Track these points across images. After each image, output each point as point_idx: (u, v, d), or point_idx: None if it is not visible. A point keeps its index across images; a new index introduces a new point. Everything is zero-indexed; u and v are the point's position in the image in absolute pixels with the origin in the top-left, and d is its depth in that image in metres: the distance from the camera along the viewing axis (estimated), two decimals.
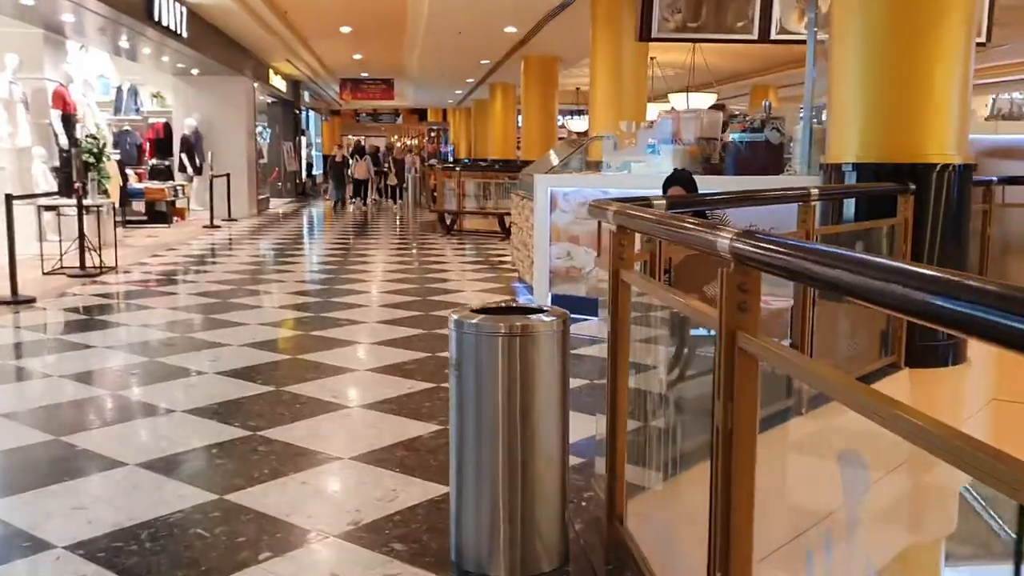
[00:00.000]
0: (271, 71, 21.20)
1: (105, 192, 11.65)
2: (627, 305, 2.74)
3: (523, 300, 7.76)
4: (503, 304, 2.82)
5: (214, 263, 10.64)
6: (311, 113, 33.51)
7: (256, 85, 19.43)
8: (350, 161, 25.77)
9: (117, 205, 13.88)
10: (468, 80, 24.51)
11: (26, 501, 3.22)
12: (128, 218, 14.97)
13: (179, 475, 3.48)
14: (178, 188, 15.82)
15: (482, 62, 19.86)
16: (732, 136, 6.09)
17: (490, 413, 2.57)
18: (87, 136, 11.77)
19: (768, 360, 1.61)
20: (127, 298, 8.04)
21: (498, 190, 16.74)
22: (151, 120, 17.30)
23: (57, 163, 11.56)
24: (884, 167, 5.13)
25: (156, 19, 11.37)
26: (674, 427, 3.04)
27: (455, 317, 2.65)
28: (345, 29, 16.83)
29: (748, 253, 1.60)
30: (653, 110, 17.63)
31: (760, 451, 1.66)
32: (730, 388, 1.64)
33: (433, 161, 28.61)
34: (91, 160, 11.54)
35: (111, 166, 13.55)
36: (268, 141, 25.01)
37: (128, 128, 16.79)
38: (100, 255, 9.41)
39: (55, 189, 10.70)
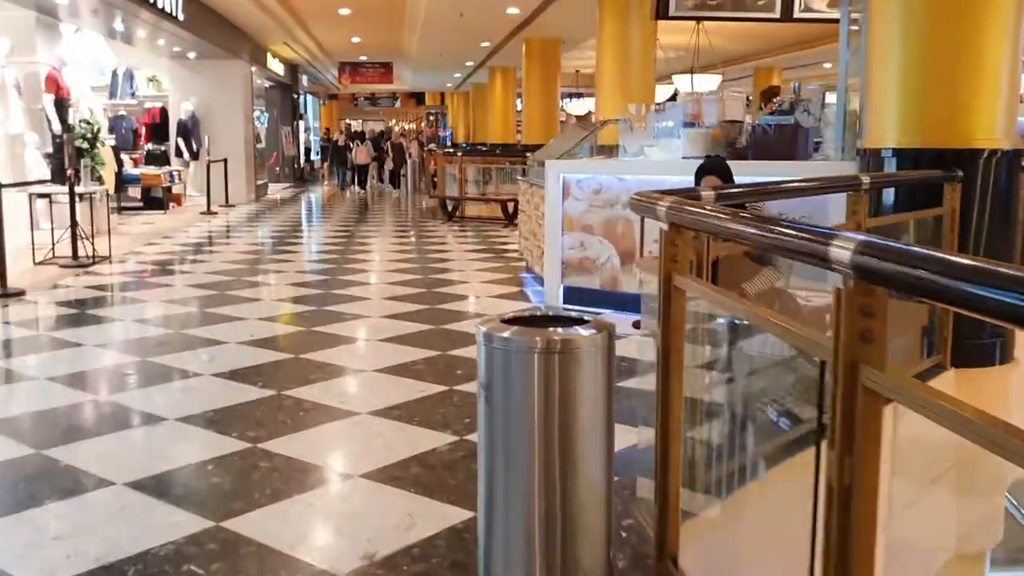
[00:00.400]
0: (269, 55, 20.78)
1: (99, 179, 11.29)
2: (681, 314, 2.41)
3: (531, 292, 7.44)
4: (535, 313, 2.48)
5: (211, 252, 10.30)
6: (309, 97, 33.06)
7: (253, 69, 19.02)
8: (351, 145, 25.81)
9: (112, 191, 13.54)
10: (467, 63, 24.09)
11: None
12: (123, 205, 14.62)
13: (171, 497, 3.15)
14: (174, 174, 15.45)
15: (482, 44, 19.45)
16: (761, 119, 5.75)
17: (525, 440, 2.25)
18: (81, 121, 11.39)
19: (907, 402, 1.27)
20: (120, 290, 7.71)
21: (500, 175, 16.38)
22: (147, 105, 16.91)
23: (50, 149, 11.19)
24: (926, 153, 4.79)
25: (151, 1, 10.98)
26: (733, 442, 2.72)
27: (484, 329, 2.32)
28: (344, 11, 16.42)
29: (879, 269, 1.26)
30: (660, 92, 17.19)
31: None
32: (850, 436, 1.31)
33: (432, 146, 28.24)
34: (84, 146, 11.17)
35: (105, 152, 13.18)
36: (266, 126, 24.59)
37: (124, 113, 16.41)
38: (93, 244, 9.06)
39: (48, 176, 10.35)
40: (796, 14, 7.10)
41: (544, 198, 6.88)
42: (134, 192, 15.11)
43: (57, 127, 11.04)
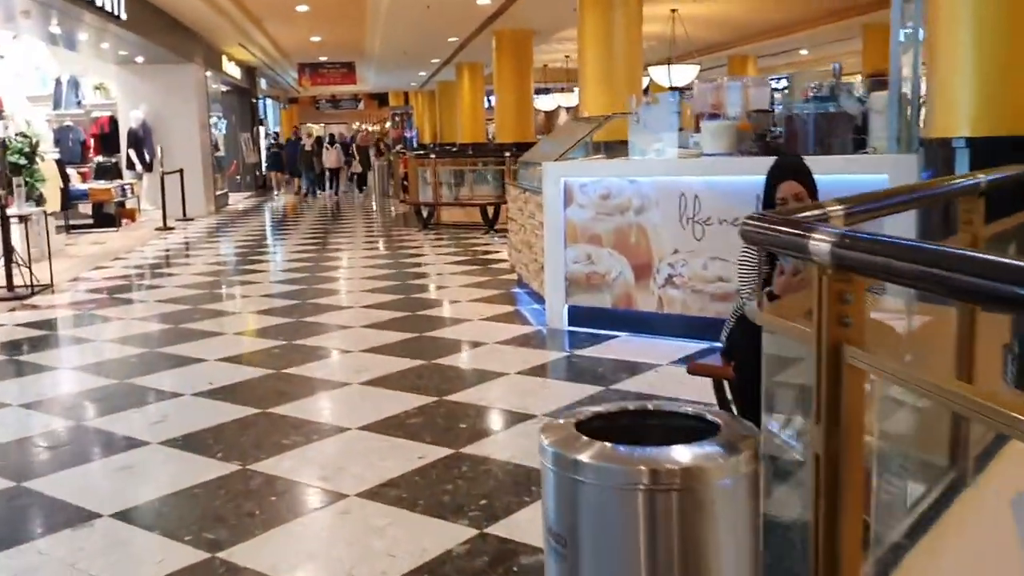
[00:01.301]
0: (224, 57, 19.76)
1: (39, 197, 10.29)
2: (859, 407, 1.57)
3: (528, 312, 6.61)
4: (625, 406, 1.65)
5: (166, 275, 9.34)
6: (269, 102, 31.97)
7: (208, 73, 17.99)
8: (319, 149, 24.89)
9: (57, 208, 12.52)
10: (433, 60, 23.21)
11: None
12: (72, 223, 13.58)
13: None
14: (126, 188, 14.41)
15: (450, 39, 18.58)
16: (796, 106, 4.96)
17: None
18: (16, 134, 10.37)
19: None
20: (58, 327, 6.76)
21: (476, 177, 15.55)
22: (94, 114, 15.83)
23: None
24: (1003, 142, 4.04)
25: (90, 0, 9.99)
26: None
27: (550, 445, 1.49)
28: (302, 8, 15.46)
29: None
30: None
31: None
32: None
33: (400, 147, 27.31)
34: (22, 162, 10.16)
35: (48, 166, 12.15)
36: (224, 132, 23.55)
37: (70, 123, 15.35)
38: (31, 272, 8.10)
39: None
40: None
41: (541, 205, 6.05)
42: (85, 208, 14.09)
43: None
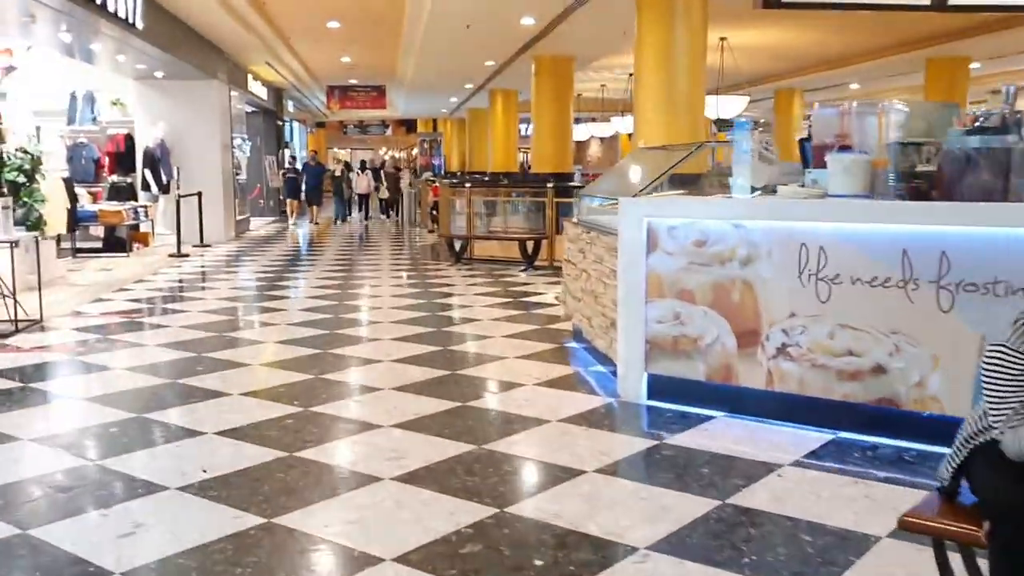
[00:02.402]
0: (250, 76, 18.97)
1: (38, 219, 9.36)
2: None
3: (591, 376, 5.53)
4: None
5: (173, 311, 8.35)
6: (295, 125, 31.27)
7: (233, 92, 17.17)
8: (350, 176, 24.81)
9: (63, 231, 11.61)
10: (467, 86, 22.34)
11: None
12: (81, 246, 12.68)
13: None
14: (139, 210, 13.50)
15: (486, 63, 17.68)
16: (948, 139, 3.89)
17: None
18: (16, 150, 9.47)
19: None
20: (29, 378, 5.73)
21: (511, 208, 14.57)
22: (110, 131, 14.97)
23: None
24: None
25: (99, 3, 9.11)
26: None
27: None
28: (333, 24, 14.62)
29: None
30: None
31: None
32: None
33: (429, 174, 26.44)
34: (21, 179, 9.25)
35: (54, 185, 11.26)
36: (248, 155, 22.76)
37: (84, 140, 14.51)
38: (16, 304, 7.12)
39: None
40: (952, 1, 5.30)
41: (614, 249, 5.00)
42: (98, 231, 13.19)
43: None
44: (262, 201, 23.00)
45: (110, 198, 14.24)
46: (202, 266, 11.93)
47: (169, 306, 8.67)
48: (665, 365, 4.73)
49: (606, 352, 5.42)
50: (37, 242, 8.22)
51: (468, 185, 12.88)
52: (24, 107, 11.00)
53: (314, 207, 21.98)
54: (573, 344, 6.41)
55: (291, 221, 21.07)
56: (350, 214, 24.03)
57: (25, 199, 9.17)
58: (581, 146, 34.88)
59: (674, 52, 9.65)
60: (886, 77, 20.76)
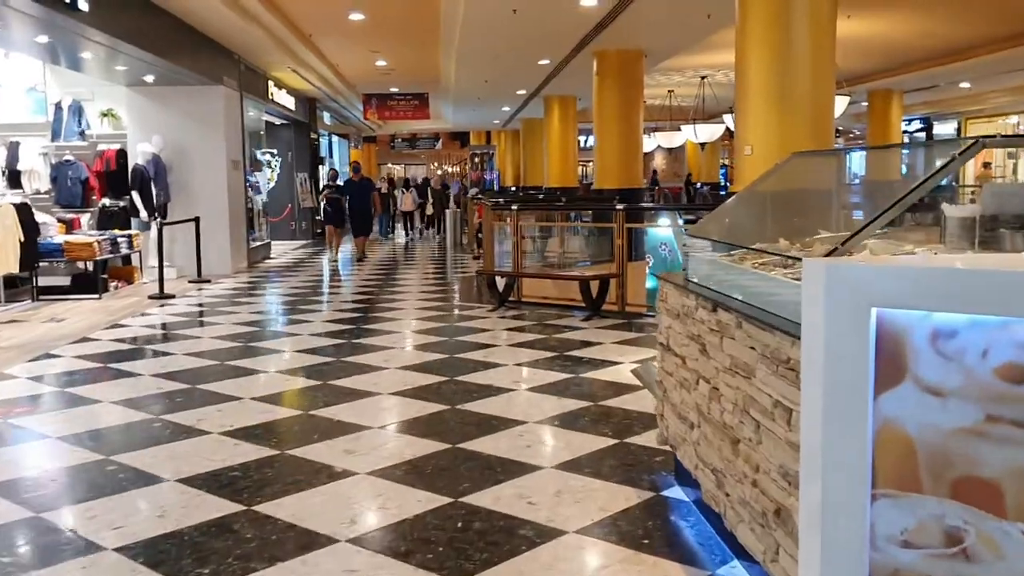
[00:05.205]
0: (271, 84, 16.70)
1: None
2: None
3: (704, 555, 2.90)
4: None
5: (76, 403, 5.90)
6: (335, 139, 29.12)
7: (249, 101, 14.90)
8: (394, 192, 24.75)
9: (13, 269, 9.37)
10: (519, 92, 19.83)
11: None
12: (50, 283, 10.43)
13: None
14: (119, 240, 11.22)
15: (540, 62, 15.12)
16: None
17: None
18: None
19: None
20: None
21: (570, 235, 12.06)
22: (100, 146, 12.76)
23: None
24: None
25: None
26: None
27: None
28: (356, 16, 12.25)
29: None
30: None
31: None
32: None
33: (475, 191, 24.07)
34: None
35: (1, 212, 9.04)
36: (277, 171, 20.59)
37: (70, 158, 12.32)
38: None
39: None
40: None
41: (783, 357, 2.37)
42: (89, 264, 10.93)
43: None
44: (292, 223, 20.78)
45: (100, 226, 12.04)
46: (182, 312, 9.54)
47: (100, 382, 6.20)
48: None
49: (759, 559, 2.76)
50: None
51: (515, 208, 10.28)
52: None
53: (361, 238, 16.21)
54: (676, 493, 3.77)
55: (331, 255, 16.01)
56: (392, 231, 23.55)
57: None
58: (645, 158, 32.15)
59: (791, 35, 7.00)
60: (1002, 74, 17.75)
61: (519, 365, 6.49)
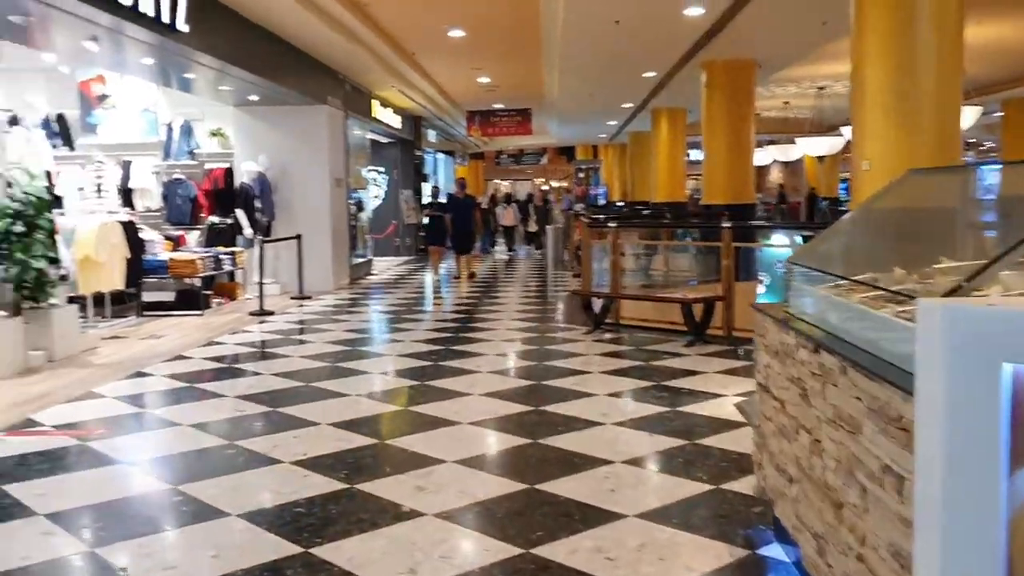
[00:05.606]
0: (376, 102, 16.81)
1: (37, 280, 7.18)
2: None
3: None
4: None
5: (166, 427, 5.83)
6: (439, 156, 29.28)
7: (352, 118, 15.00)
8: (495, 209, 25.02)
9: (119, 286, 9.56)
10: (625, 105, 19.41)
11: None
12: (150, 300, 10.63)
13: None
14: (222, 257, 11.37)
15: (645, 75, 14.70)
16: None
17: None
18: (10, 188, 7.36)
19: None
20: None
21: (673, 254, 11.58)
22: (208, 165, 13.02)
23: None
24: None
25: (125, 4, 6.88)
26: None
27: None
28: (456, 32, 12.13)
29: None
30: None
31: None
32: None
33: (580, 206, 23.72)
34: (17, 228, 7.10)
35: (109, 230, 9.24)
36: (385, 188, 20.78)
37: (180, 176, 12.62)
38: None
39: None
40: None
41: (895, 415, 1.94)
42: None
43: None
44: (397, 240, 20.90)
45: (208, 243, 12.27)
46: (278, 330, 9.53)
47: (189, 403, 6.15)
48: None
49: (809, 565, 2.32)
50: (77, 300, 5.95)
51: (613, 225, 9.89)
52: (31, 137, 9.01)
53: (464, 258, 15.34)
54: (774, 552, 3.33)
55: (435, 275, 15.57)
56: (493, 245, 23.89)
57: (19, 254, 6.99)
58: (760, 172, 31.08)
59: (914, 42, 6.42)
60: None
61: (611, 395, 6.10)
